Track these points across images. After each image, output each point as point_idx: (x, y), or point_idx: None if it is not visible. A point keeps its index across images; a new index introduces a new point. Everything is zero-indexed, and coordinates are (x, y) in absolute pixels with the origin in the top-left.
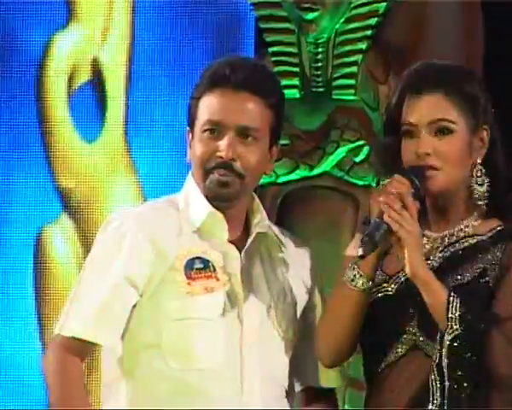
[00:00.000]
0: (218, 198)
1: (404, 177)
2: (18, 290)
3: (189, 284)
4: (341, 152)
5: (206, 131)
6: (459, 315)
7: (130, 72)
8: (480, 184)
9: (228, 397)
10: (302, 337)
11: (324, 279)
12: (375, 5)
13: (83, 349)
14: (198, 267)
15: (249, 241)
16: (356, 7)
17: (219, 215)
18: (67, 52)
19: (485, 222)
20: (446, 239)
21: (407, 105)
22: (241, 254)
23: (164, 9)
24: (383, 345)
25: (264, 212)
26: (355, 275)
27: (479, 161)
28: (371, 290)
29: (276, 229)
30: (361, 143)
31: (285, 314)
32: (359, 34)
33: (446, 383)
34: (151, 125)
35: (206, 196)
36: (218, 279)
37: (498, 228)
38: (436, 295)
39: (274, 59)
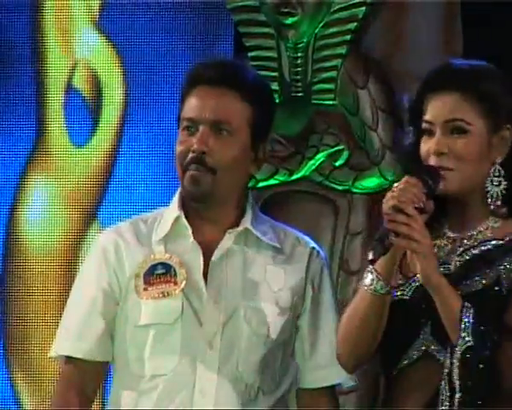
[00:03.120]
0: (193, 197)
1: (416, 177)
2: None
3: (145, 289)
4: (321, 157)
5: (184, 129)
6: (472, 326)
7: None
8: (495, 185)
9: (180, 402)
10: (293, 337)
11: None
12: (354, 10)
13: (80, 369)
14: (159, 273)
15: (222, 242)
16: (335, 11)
17: (183, 220)
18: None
19: (505, 224)
20: (465, 241)
21: (426, 104)
22: (213, 254)
23: (142, 14)
24: (397, 349)
25: (250, 214)
26: (373, 279)
27: (498, 160)
28: (391, 294)
29: (267, 229)
30: (340, 147)
31: (258, 313)
32: (339, 39)
33: (457, 395)
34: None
35: (184, 199)
36: (175, 283)
37: None
38: (449, 303)
39: (253, 63)
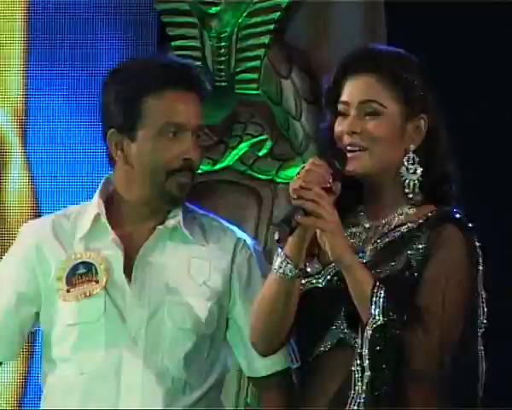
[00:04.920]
0: (173, 202)
1: (322, 159)
2: None
3: (68, 290)
4: (244, 146)
5: (165, 133)
6: (382, 305)
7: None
8: (411, 173)
9: (106, 397)
10: (223, 330)
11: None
12: None
13: None
14: (80, 273)
15: (150, 237)
16: (259, 1)
17: (103, 219)
18: None
19: (420, 209)
20: (380, 228)
21: (342, 86)
22: (139, 250)
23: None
24: (312, 337)
25: (178, 209)
26: (282, 262)
27: (412, 148)
28: (303, 280)
29: (194, 222)
30: (264, 137)
31: (182, 307)
32: (262, 28)
33: (367, 374)
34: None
35: (108, 195)
36: (97, 282)
37: (430, 213)
38: (360, 281)
39: (177, 53)
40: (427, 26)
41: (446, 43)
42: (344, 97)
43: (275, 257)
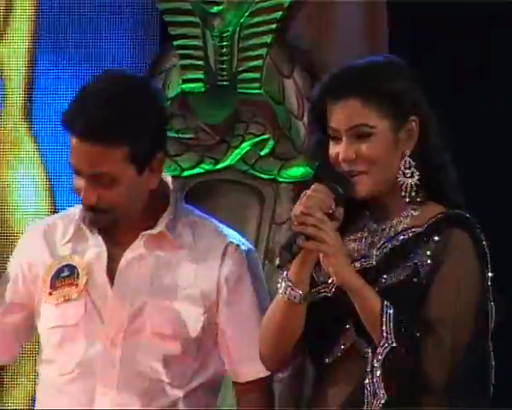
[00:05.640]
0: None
1: (325, 184)
2: None
3: (50, 293)
4: (246, 146)
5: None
6: (393, 327)
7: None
8: (408, 177)
9: (81, 398)
10: (211, 333)
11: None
12: None
13: None
14: (63, 275)
15: (135, 242)
16: (260, 1)
17: (84, 228)
18: None
19: (425, 209)
20: (386, 231)
21: (329, 110)
22: (124, 254)
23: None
24: (323, 344)
25: (168, 214)
26: (286, 288)
27: (408, 153)
28: (312, 288)
29: (184, 227)
30: (266, 136)
31: (164, 311)
32: (264, 28)
33: (381, 394)
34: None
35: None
36: (77, 286)
37: (435, 217)
38: (368, 304)
39: (179, 52)
40: (428, 26)
41: (448, 42)
42: (333, 124)
43: (279, 280)
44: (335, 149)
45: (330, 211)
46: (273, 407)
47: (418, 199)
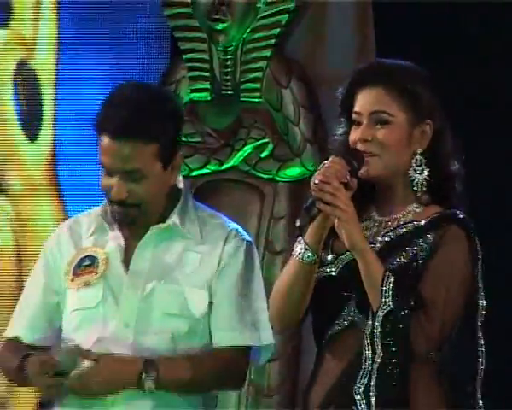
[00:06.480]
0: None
1: (341, 157)
2: None
3: (72, 280)
4: (248, 149)
5: (101, 167)
6: (392, 291)
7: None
8: (418, 173)
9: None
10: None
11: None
12: (278, 17)
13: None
14: (85, 264)
15: (148, 234)
16: (261, 18)
17: (103, 222)
18: None
19: (427, 209)
20: (390, 223)
21: (355, 97)
22: (138, 245)
23: (89, 17)
24: (326, 320)
25: (178, 209)
26: (301, 249)
27: (419, 151)
28: (318, 267)
29: (193, 221)
30: (266, 140)
31: (173, 294)
32: (264, 43)
33: (378, 356)
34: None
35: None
36: (96, 273)
37: (436, 214)
38: (372, 268)
39: (188, 65)
40: (415, 29)
41: (434, 43)
42: (357, 108)
43: (295, 244)
44: (355, 133)
45: (345, 180)
46: (228, 378)
47: (425, 197)
